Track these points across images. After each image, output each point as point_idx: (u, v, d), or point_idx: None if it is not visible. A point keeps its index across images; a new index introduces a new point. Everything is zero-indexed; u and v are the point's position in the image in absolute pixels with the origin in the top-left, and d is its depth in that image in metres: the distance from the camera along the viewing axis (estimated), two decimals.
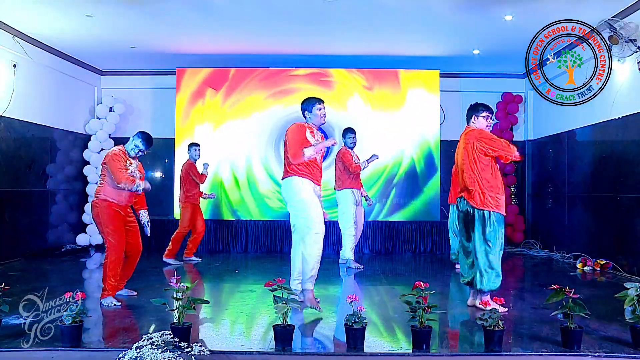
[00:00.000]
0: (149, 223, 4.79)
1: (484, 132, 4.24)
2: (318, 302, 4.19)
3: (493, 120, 4.38)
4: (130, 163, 4.56)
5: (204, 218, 7.14)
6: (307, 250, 4.15)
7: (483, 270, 4.07)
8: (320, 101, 4.35)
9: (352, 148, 6.72)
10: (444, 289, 5.42)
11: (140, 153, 4.61)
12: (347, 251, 6.56)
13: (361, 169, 6.55)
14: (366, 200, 6.86)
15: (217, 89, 8.35)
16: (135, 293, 4.71)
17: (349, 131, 6.73)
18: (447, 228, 7.19)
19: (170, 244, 6.77)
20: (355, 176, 6.61)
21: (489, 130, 4.32)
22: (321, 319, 3.95)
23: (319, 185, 4.32)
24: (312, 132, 4.29)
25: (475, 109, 4.36)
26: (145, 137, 4.61)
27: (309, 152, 4.15)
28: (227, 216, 8.22)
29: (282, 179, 4.34)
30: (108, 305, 4.31)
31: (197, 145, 7.05)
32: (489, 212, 4.05)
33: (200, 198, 7.02)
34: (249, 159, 8.33)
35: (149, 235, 4.83)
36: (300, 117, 4.46)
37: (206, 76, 8.39)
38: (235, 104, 8.37)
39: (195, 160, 6.99)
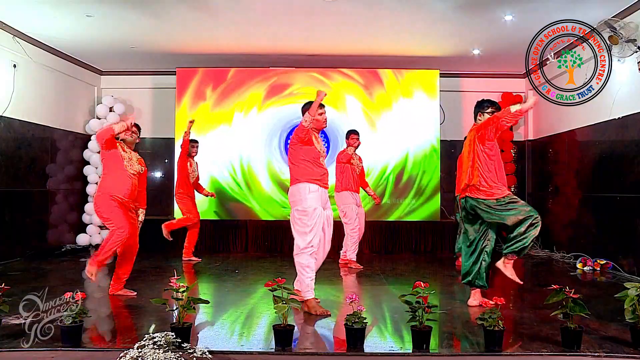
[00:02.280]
0: (141, 223, 4.79)
1: (482, 123, 4.26)
2: (318, 301, 4.20)
3: None
4: (126, 152, 4.64)
5: (205, 218, 7.17)
6: (298, 262, 4.15)
7: (527, 231, 4.03)
8: (322, 105, 4.33)
9: (356, 148, 6.73)
10: (444, 289, 5.42)
11: (132, 134, 4.69)
12: (350, 252, 6.58)
13: (349, 154, 6.57)
14: (374, 199, 6.96)
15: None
16: (135, 293, 4.71)
17: (353, 132, 6.74)
18: (447, 228, 7.22)
19: (186, 241, 6.98)
20: (353, 179, 6.63)
21: None
22: (323, 316, 3.96)
23: (326, 187, 4.28)
24: (316, 137, 4.29)
25: (480, 106, 4.40)
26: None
27: (311, 111, 4.11)
28: (227, 216, 8.22)
29: (290, 186, 4.31)
30: (85, 273, 4.57)
31: (194, 142, 7.09)
32: (499, 197, 4.11)
33: (202, 195, 7.23)
34: (248, 159, 8.33)
35: None
36: (300, 118, 4.44)
37: (206, 76, 8.39)
38: (234, 104, 8.36)
39: (193, 157, 7.05)
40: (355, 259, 6.58)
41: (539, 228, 4.03)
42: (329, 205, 4.33)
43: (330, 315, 4.02)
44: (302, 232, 4.10)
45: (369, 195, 6.98)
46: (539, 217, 4.05)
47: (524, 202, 4.23)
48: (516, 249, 4.09)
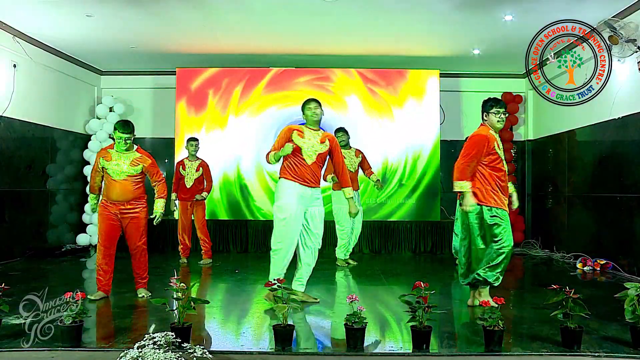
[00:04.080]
0: (162, 215, 4.72)
1: (471, 138, 4.26)
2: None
3: (505, 114, 4.25)
4: (111, 159, 4.59)
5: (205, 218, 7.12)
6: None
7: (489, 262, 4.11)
8: (313, 100, 4.49)
9: (344, 147, 6.69)
10: (444, 289, 5.42)
11: (125, 142, 4.59)
12: (338, 250, 6.71)
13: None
14: (377, 182, 6.84)
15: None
16: (149, 294, 4.62)
17: (338, 131, 6.75)
18: (447, 228, 7.18)
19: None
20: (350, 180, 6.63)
21: (501, 125, 4.26)
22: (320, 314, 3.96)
23: (310, 185, 4.34)
24: (300, 133, 4.39)
25: (484, 106, 4.33)
26: (118, 124, 4.64)
27: (270, 157, 4.36)
28: (227, 216, 8.22)
29: None
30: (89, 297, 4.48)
31: (193, 140, 7.00)
32: (491, 207, 4.10)
33: (197, 196, 6.99)
34: (248, 159, 8.32)
35: (155, 224, 4.75)
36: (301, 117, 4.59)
37: (206, 76, 8.39)
38: (234, 104, 8.36)
39: (193, 154, 6.94)
40: (342, 257, 6.67)
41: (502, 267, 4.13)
42: (317, 202, 4.40)
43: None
44: (275, 225, 4.38)
45: (373, 181, 6.89)
46: (506, 258, 4.10)
47: (508, 234, 4.15)
48: (474, 280, 4.19)
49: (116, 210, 4.54)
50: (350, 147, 6.78)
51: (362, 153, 6.84)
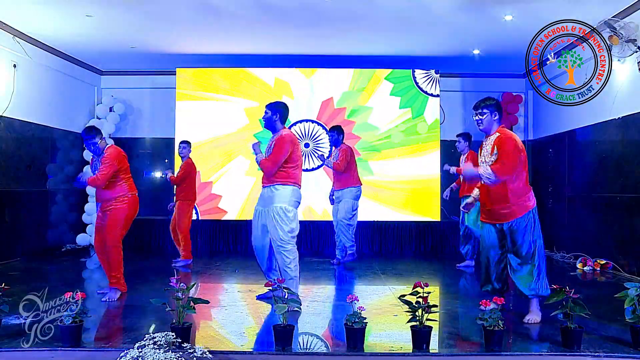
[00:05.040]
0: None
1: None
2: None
3: (479, 115, 3.97)
4: (92, 165, 4.83)
5: (205, 218, 7.08)
6: None
7: None
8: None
9: (336, 146, 6.69)
10: (444, 289, 5.43)
11: (93, 148, 4.63)
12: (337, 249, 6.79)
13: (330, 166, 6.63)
14: (325, 160, 6.69)
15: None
16: (114, 299, 4.54)
17: (330, 130, 6.80)
18: (447, 228, 7.16)
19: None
20: (336, 177, 6.70)
21: (479, 127, 4.05)
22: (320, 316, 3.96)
23: (263, 184, 4.44)
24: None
25: None
26: (82, 131, 4.79)
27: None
28: (227, 216, 8.21)
29: None
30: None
31: (180, 142, 6.95)
32: None
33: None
34: (248, 159, 8.32)
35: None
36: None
37: (206, 76, 8.39)
38: (234, 104, 8.36)
39: (182, 157, 6.92)
40: (338, 256, 6.67)
41: None
42: (271, 203, 4.29)
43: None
44: None
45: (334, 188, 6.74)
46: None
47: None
48: None
49: (101, 211, 4.67)
50: (341, 144, 6.66)
51: (343, 149, 6.57)
